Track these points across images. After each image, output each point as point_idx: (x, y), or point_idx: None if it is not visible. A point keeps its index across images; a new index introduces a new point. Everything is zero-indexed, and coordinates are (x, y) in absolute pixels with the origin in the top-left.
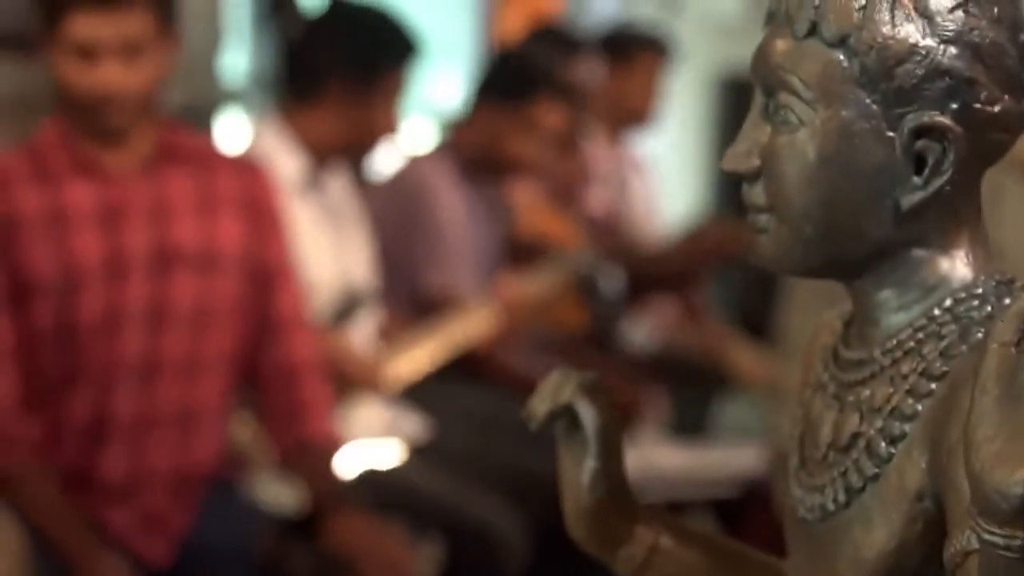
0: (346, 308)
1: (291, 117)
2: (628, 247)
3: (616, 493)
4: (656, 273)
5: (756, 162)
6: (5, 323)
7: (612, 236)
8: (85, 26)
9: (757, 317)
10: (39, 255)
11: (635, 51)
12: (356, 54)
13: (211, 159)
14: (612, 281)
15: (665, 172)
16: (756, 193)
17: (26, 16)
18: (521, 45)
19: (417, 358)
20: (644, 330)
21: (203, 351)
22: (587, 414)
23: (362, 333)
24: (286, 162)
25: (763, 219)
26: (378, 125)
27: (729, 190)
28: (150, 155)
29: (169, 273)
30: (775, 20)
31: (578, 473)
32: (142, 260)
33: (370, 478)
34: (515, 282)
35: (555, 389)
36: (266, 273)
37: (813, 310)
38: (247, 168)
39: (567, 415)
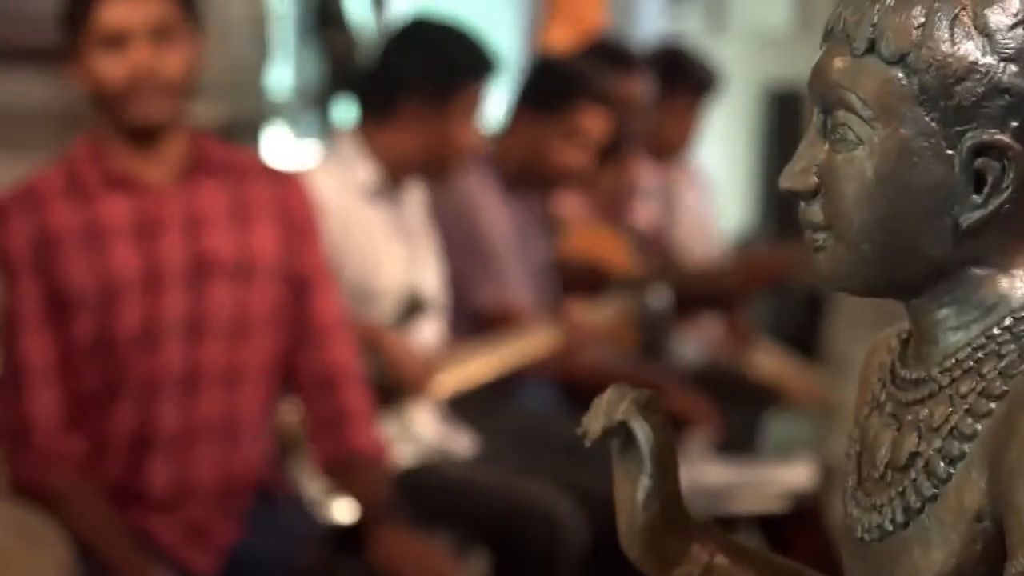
0: (408, 312)
1: (368, 133)
2: (677, 265)
3: (671, 511)
4: (705, 293)
5: (814, 180)
6: (46, 340)
7: (660, 251)
8: (115, 13)
9: (800, 333)
10: (77, 271)
11: (680, 83)
12: (432, 71)
13: (244, 169)
14: (660, 297)
15: (713, 183)
16: (814, 212)
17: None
18: (568, 56)
19: (472, 369)
20: (692, 346)
21: (243, 361)
22: (642, 432)
23: (424, 340)
24: (361, 171)
25: (821, 238)
26: (455, 141)
27: (777, 204)
28: (183, 167)
29: (206, 284)
30: (833, 37)
31: (632, 491)
32: (178, 272)
33: (422, 471)
34: (583, 308)
35: (610, 406)
36: (303, 280)
37: (860, 327)
38: (281, 177)
39: (622, 432)
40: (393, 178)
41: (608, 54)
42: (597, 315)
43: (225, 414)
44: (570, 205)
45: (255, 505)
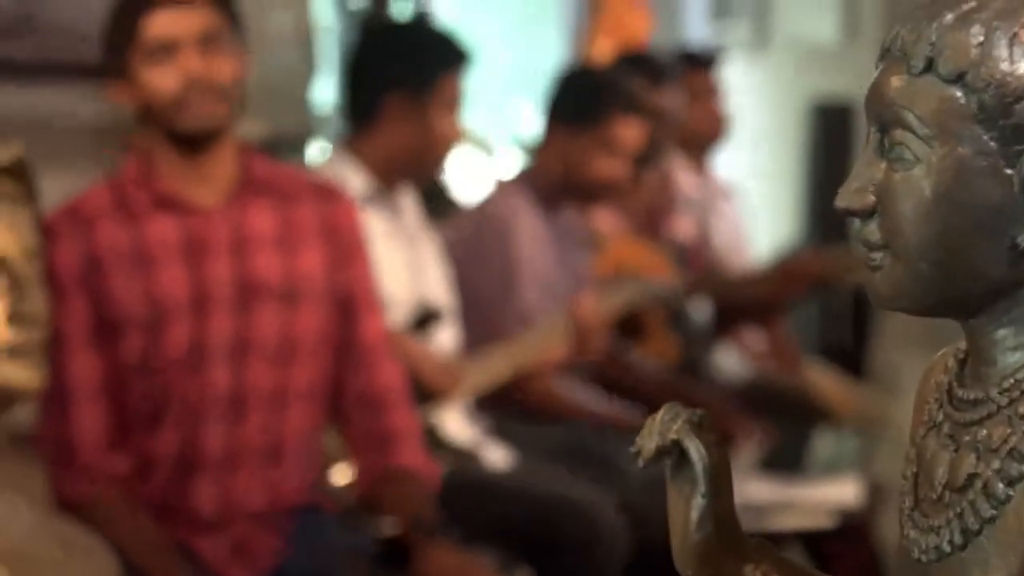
0: (422, 320)
1: (354, 144)
2: (715, 275)
3: (725, 531)
4: (743, 302)
5: (871, 199)
6: (92, 359)
7: (700, 264)
8: (163, 23)
9: (846, 350)
10: (124, 291)
11: (687, 72)
12: (405, 69)
13: (292, 188)
14: (700, 310)
15: (757, 198)
16: (870, 231)
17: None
18: (598, 68)
19: (490, 370)
20: (735, 360)
21: (289, 383)
22: (696, 451)
23: (439, 346)
24: (354, 181)
25: (877, 257)
26: (440, 136)
27: (822, 219)
28: (231, 187)
29: (252, 306)
30: (890, 56)
31: (686, 510)
32: (226, 294)
33: (456, 476)
34: (590, 299)
35: (663, 425)
36: (350, 301)
37: (906, 344)
38: (329, 194)
39: (675, 452)
40: (385, 183)
41: (638, 64)
42: (605, 303)
43: (270, 436)
44: (606, 219)
45: (299, 521)
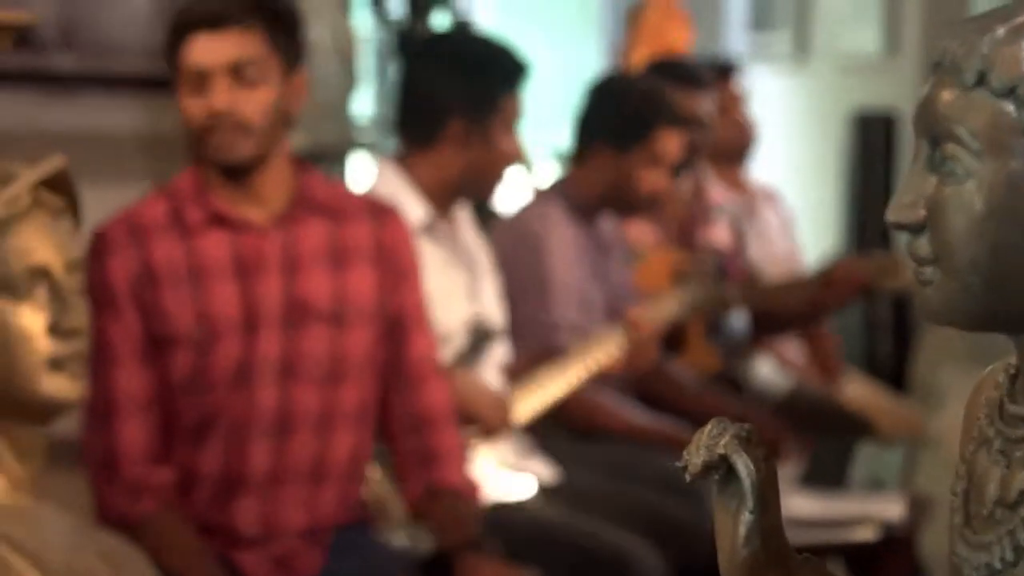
0: (476, 344)
1: (409, 163)
2: (754, 284)
3: (772, 547)
4: (783, 312)
5: (922, 213)
6: (139, 373)
7: (736, 272)
8: (198, 51)
9: (888, 363)
10: (176, 307)
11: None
12: (468, 91)
13: (345, 207)
14: (739, 320)
15: (797, 209)
16: (921, 245)
17: (150, 55)
18: (635, 79)
19: (545, 393)
20: (773, 372)
21: (336, 404)
22: (744, 466)
23: (492, 370)
24: (410, 207)
25: (928, 271)
26: (501, 156)
27: (861, 227)
28: (284, 205)
29: (301, 326)
30: (941, 69)
31: (734, 526)
32: (275, 314)
33: (501, 511)
34: (643, 311)
35: (710, 440)
36: (400, 322)
37: (948, 357)
38: (382, 213)
39: (723, 467)
40: (441, 205)
41: (672, 71)
42: (657, 313)
43: (316, 457)
44: (640, 230)
45: (343, 535)
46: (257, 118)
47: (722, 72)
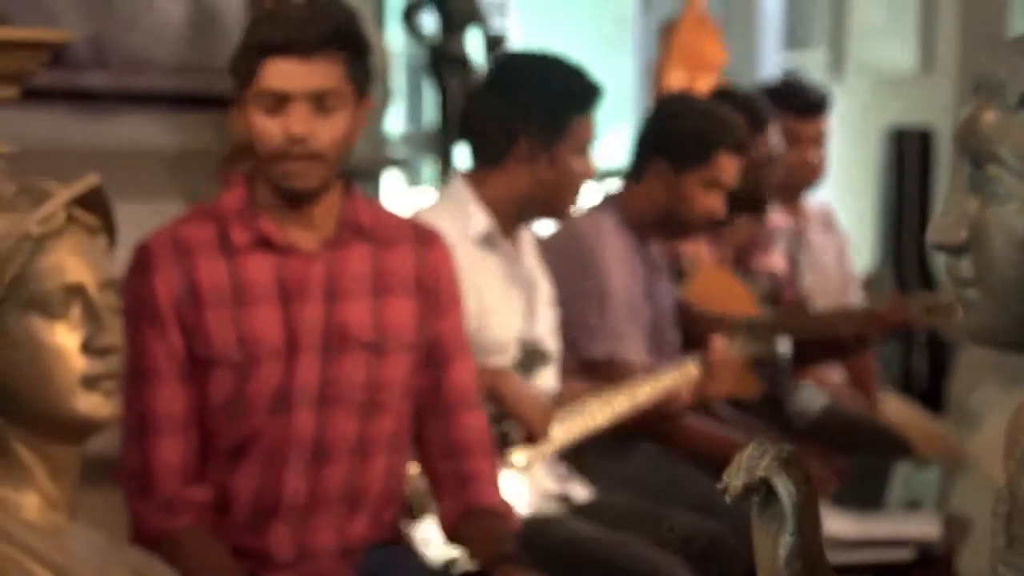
0: (527, 362)
1: (477, 181)
2: (801, 311)
3: (813, 568)
4: (826, 340)
5: (963, 235)
6: (178, 392)
7: (789, 298)
8: (281, 74)
9: (924, 384)
10: (218, 328)
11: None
12: (540, 112)
13: (390, 233)
14: (783, 344)
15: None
16: (962, 266)
17: (181, 72)
18: (701, 100)
19: (592, 417)
20: (813, 395)
21: (372, 431)
22: (784, 488)
23: (543, 388)
24: (478, 218)
25: (969, 292)
26: (570, 177)
27: (898, 245)
28: (331, 231)
29: (340, 353)
30: (983, 91)
31: (774, 547)
32: (315, 339)
33: (535, 526)
34: (723, 342)
35: (751, 462)
36: (440, 351)
37: (985, 379)
38: (425, 239)
39: (763, 489)
40: (505, 223)
41: (738, 105)
42: (737, 348)
43: (351, 483)
44: (694, 248)
45: (378, 556)
46: (331, 148)
47: (817, 107)
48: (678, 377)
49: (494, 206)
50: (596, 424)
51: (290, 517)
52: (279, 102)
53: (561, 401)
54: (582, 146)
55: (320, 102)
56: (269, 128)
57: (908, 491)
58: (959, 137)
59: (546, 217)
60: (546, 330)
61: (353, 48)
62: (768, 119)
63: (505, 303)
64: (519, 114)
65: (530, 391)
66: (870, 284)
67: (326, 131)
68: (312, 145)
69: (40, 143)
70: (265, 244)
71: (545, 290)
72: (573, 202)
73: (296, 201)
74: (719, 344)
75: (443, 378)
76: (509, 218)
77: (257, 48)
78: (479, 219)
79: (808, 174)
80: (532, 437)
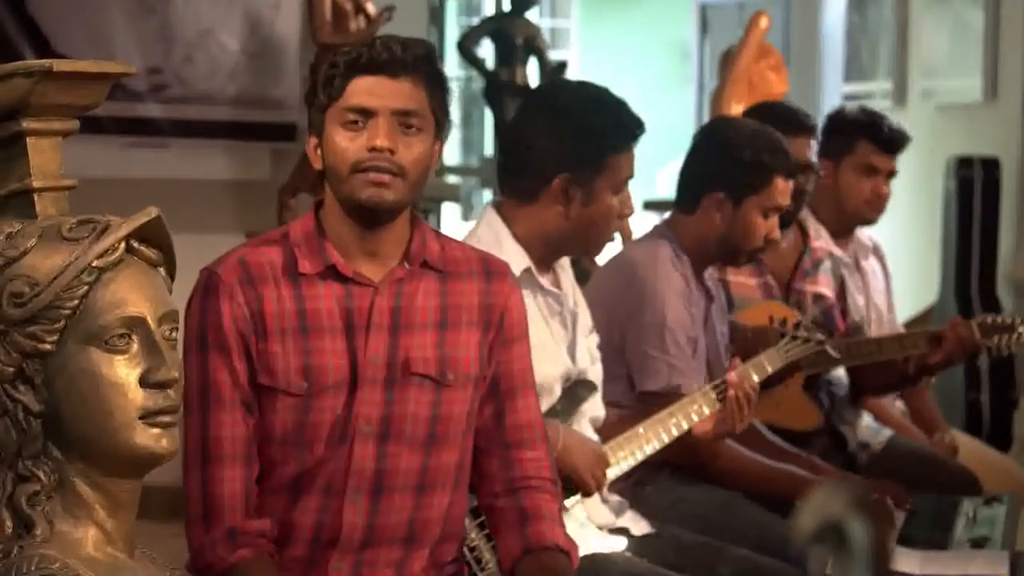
0: (572, 398)
1: (513, 215)
2: (854, 339)
3: None
4: (885, 368)
5: None
6: (243, 419)
7: (837, 326)
8: (367, 91)
9: (983, 414)
10: (283, 359)
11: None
12: (578, 148)
13: (458, 267)
14: (840, 375)
15: (898, 256)
16: None
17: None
18: (748, 125)
19: (640, 448)
20: (876, 428)
21: (435, 467)
22: (858, 531)
23: (586, 425)
24: (517, 255)
25: None
26: (606, 214)
27: (963, 274)
28: (398, 263)
29: (404, 387)
30: None
31: None
32: (378, 371)
33: (594, 563)
34: (744, 371)
35: (823, 503)
36: (505, 386)
37: None
38: (494, 272)
39: (836, 529)
40: (540, 258)
41: (779, 116)
42: (755, 372)
43: (410, 518)
44: (742, 281)
45: None
46: (412, 166)
47: (899, 144)
48: (704, 406)
49: (527, 243)
50: (644, 455)
51: (348, 552)
52: (362, 119)
53: (608, 433)
54: (621, 184)
55: (404, 121)
56: (351, 139)
57: (974, 528)
58: None
59: (578, 255)
60: (588, 360)
61: (436, 79)
62: (808, 129)
63: (549, 342)
64: (555, 151)
65: (585, 445)
66: (931, 315)
67: (409, 150)
68: (395, 159)
69: (96, 172)
70: (333, 274)
71: (586, 318)
72: (607, 240)
73: (367, 222)
74: (733, 376)
75: (507, 412)
76: (544, 253)
77: (345, 66)
78: (517, 258)
79: (875, 206)
80: (587, 492)
